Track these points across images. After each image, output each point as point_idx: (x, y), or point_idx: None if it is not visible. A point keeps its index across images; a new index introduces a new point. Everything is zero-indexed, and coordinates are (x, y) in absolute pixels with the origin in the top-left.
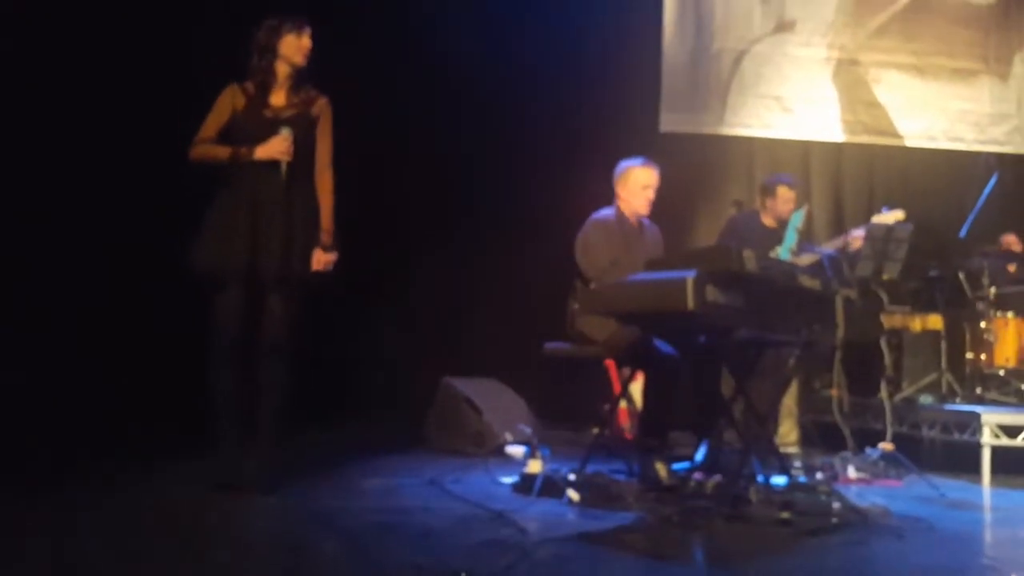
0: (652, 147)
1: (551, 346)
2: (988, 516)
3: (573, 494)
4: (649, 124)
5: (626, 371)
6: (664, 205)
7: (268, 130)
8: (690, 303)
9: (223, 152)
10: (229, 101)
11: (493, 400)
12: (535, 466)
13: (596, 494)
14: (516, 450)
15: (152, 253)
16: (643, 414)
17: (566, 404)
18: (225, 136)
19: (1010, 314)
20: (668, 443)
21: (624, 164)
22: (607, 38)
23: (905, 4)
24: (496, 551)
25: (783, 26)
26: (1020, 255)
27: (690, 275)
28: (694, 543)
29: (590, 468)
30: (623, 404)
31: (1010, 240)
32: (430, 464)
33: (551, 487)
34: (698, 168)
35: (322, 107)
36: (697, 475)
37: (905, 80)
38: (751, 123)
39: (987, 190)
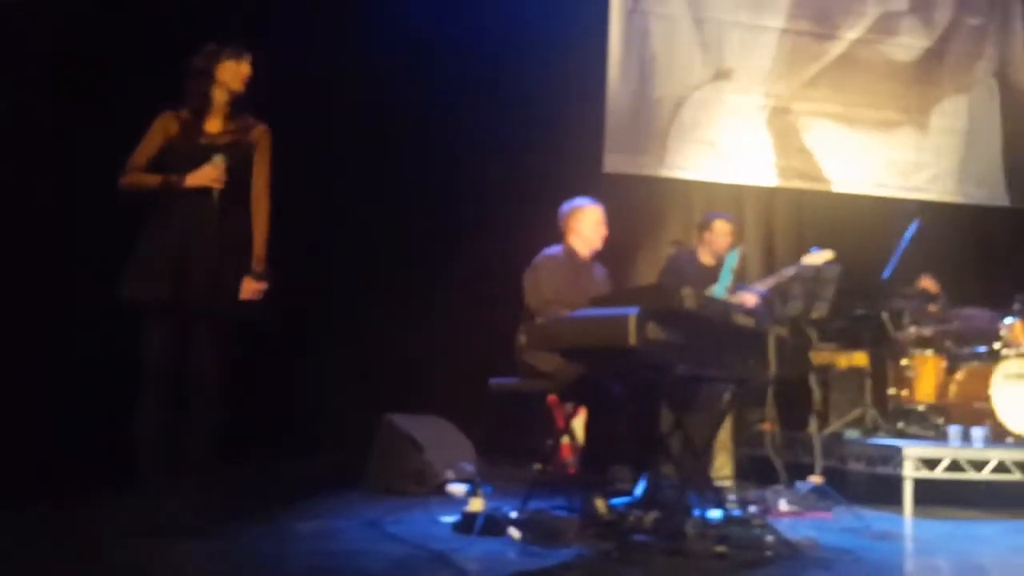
0: (596, 187)
1: (497, 381)
2: (910, 546)
3: (514, 532)
4: (594, 164)
5: (569, 406)
6: (607, 243)
7: (201, 157)
8: (632, 339)
9: (154, 180)
10: (162, 128)
11: (436, 438)
12: (476, 504)
13: (537, 531)
14: (458, 488)
15: (82, 283)
16: (585, 449)
17: (510, 441)
18: (158, 164)
19: (929, 352)
20: (609, 478)
21: (575, 202)
22: (553, 80)
23: (835, 57)
24: None
25: (721, 74)
26: (938, 296)
27: (632, 312)
28: None
29: (532, 505)
30: (566, 439)
31: (928, 282)
32: (369, 504)
33: (493, 525)
34: (639, 208)
35: (260, 134)
36: (636, 510)
37: (834, 128)
38: (689, 166)
39: (908, 234)
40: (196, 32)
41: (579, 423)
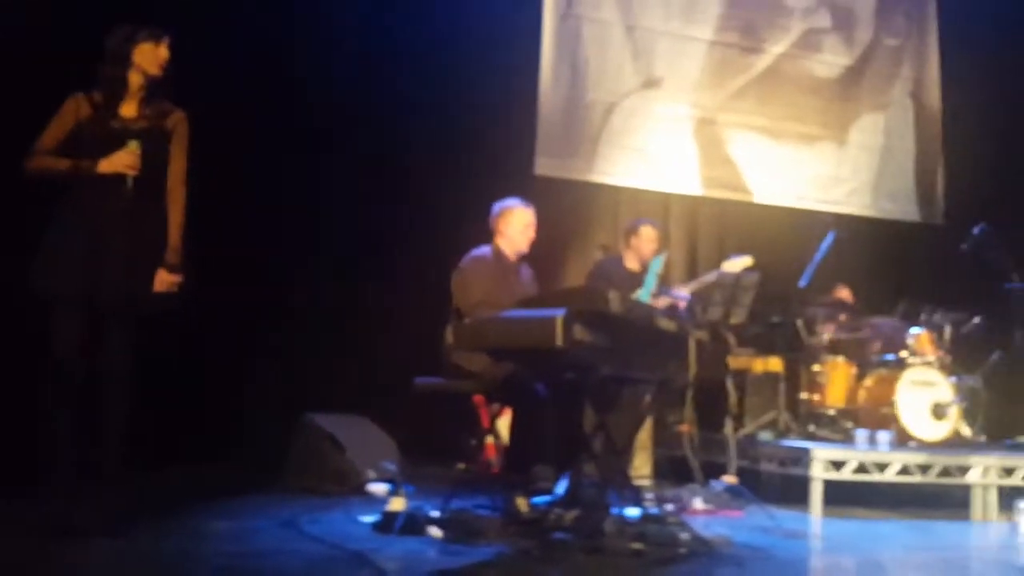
0: (526, 189)
1: (422, 381)
2: (817, 544)
3: (435, 531)
4: (526, 167)
5: (495, 406)
6: (535, 245)
7: (115, 142)
8: (559, 340)
9: (63, 164)
10: (73, 110)
11: (358, 437)
12: (397, 503)
13: (458, 530)
14: (379, 488)
15: None
16: (509, 449)
17: (435, 441)
18: (68, 148)
19: (840, 359)
20: (532, 477)
21: (505, 203)
22: (487, 81)
23: (761, 71)
24: None
25: (651, 82)
26: (851, 306)
27: (560, 313)
28: None
29: (454, 504)
30: (490, 439)
31: (843, 292)
32: (288, 504)
33: (413, 525)
34: (568, 212)
35: (177, 121)
36: (557, 509)
37: (758, 141)
38: (618, 172)
39: (825, 245)
40: (113, 14)
41: (504, 423)
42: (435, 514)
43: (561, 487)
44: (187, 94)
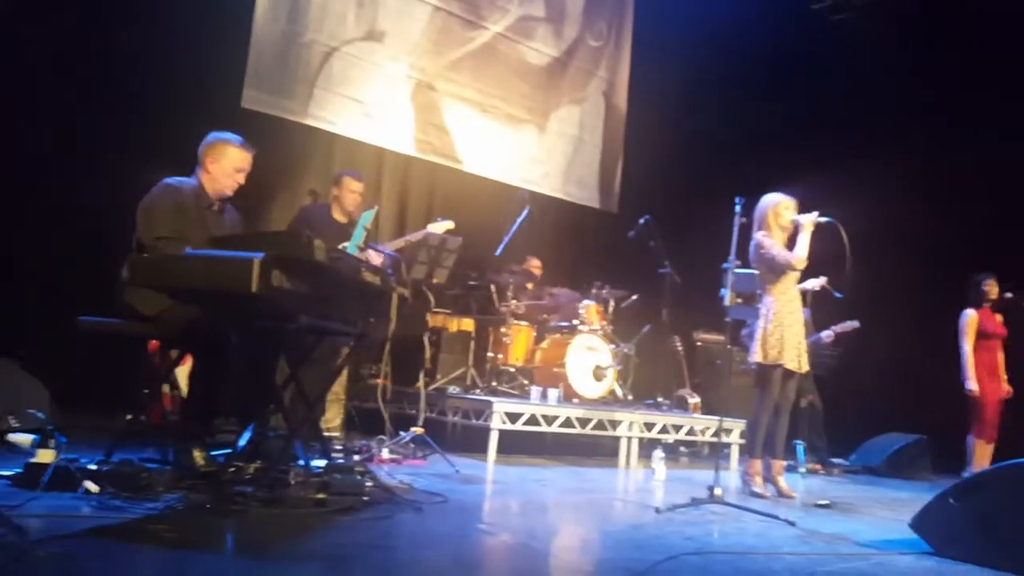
0: (231, 122)
1: (89, 321)
2: (489, 488)
3: (91, 485)
4: (231, 97)
5: (174, 353)
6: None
7: None
8: (254, 285)
9: None
10: None
11: None
12: (45, 456)
13: (121, 484)
14: (23, 438)
15: None
16: (190, 399)
17: (102, 389)
18: None
19: (524, 323)
20: (212, 430)
21: (219, 137)
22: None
23: (479, 46)
24: None
25: (374, 35)
26: (538, 276)
27: (257, 257)
28: (227, 529)
29: (118, 457)
30: (166, 388)
31: (532, 263)
32: None
33: (64, 479)
34: (278, 153)
35: None
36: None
37: (470, 113)
38: (335, 120)
39: (520, 220)
40: None
41: (183, 372)
42: (93, 467)
43: (243, 439)
44: None
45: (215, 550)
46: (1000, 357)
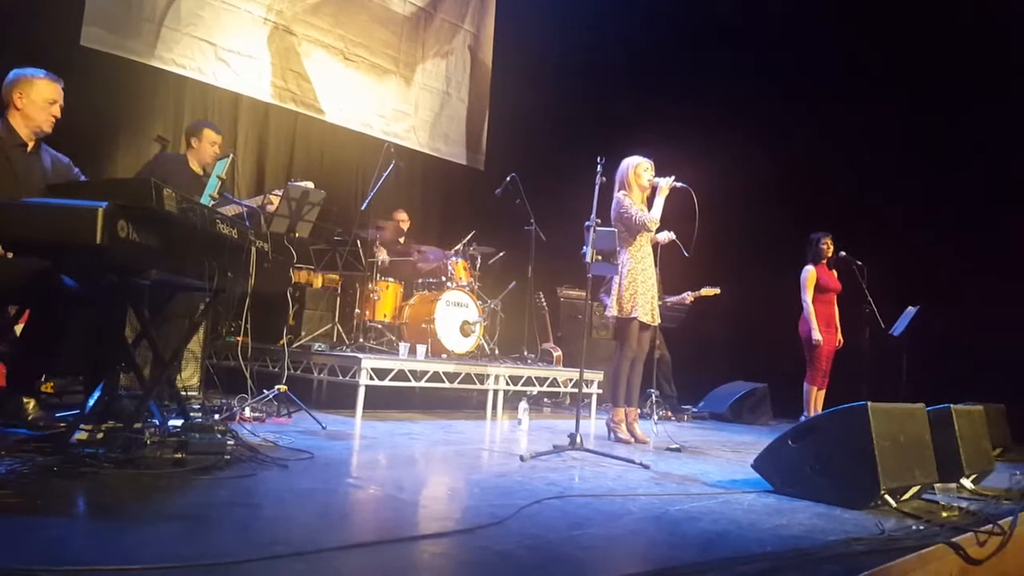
0: (69, 61)
1: None
2: (357, 444)
3: None
4: (68, 34)
5: (12, 309)
6: (76, 128)
7: None
8: (99, 237)
9: None
10: None
11: None
12: None
13: None
14: None
15: None
16: (23, 355)
17: None
18: None
19: (391, 279)
20: (55, 389)
21: (22, 73)
22: None
23: None
24: None
25: None
26: (404, 230)
27: (101, 206)
28: (77, 492)
29: None
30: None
31: (401, 217)
32: None
33: None
34: (121, 95)
35: None
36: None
37: (332, 62)
38: (184, 63)
39: (386, 173)
40: None
41: (18, 328)
42: None
43: (92, 399)
44: None
45: (64, 514)
46: (835, 310)
